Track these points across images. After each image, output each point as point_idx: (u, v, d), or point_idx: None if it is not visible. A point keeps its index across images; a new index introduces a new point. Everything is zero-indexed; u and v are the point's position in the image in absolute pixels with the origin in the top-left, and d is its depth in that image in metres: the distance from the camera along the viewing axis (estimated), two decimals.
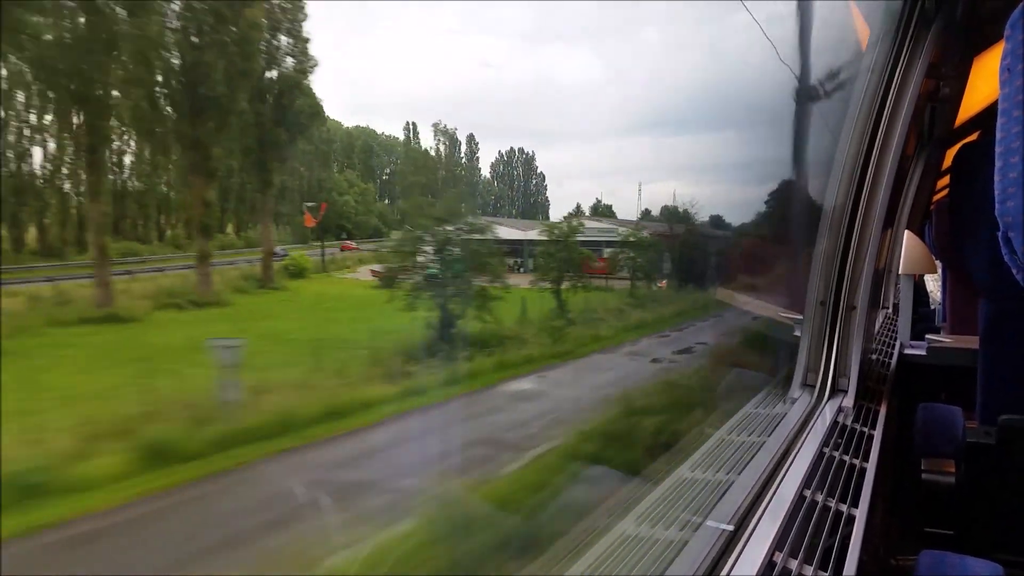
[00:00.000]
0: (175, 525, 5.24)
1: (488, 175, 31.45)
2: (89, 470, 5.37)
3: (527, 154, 32.44)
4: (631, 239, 16.07)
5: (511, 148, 32.15)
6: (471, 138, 28.49)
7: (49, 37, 8.65)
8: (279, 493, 5.73)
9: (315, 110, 15.06)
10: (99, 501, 5.12)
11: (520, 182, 33.36)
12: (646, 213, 19.62)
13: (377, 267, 15.44)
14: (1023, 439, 1.75)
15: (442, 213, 13.32)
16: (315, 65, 13.92)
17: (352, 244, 20.20)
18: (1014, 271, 0.78)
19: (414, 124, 27.20)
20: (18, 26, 8.24)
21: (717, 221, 14.92)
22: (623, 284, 15.32)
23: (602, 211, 22.97)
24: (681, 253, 15.86)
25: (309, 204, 18.09)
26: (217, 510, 5.51)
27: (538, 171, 32.52)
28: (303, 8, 13.48)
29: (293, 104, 13.88)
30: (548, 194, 32.49)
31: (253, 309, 11.97)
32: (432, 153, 27.46)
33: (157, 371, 7.16)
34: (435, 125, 27.13)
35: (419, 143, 27.69)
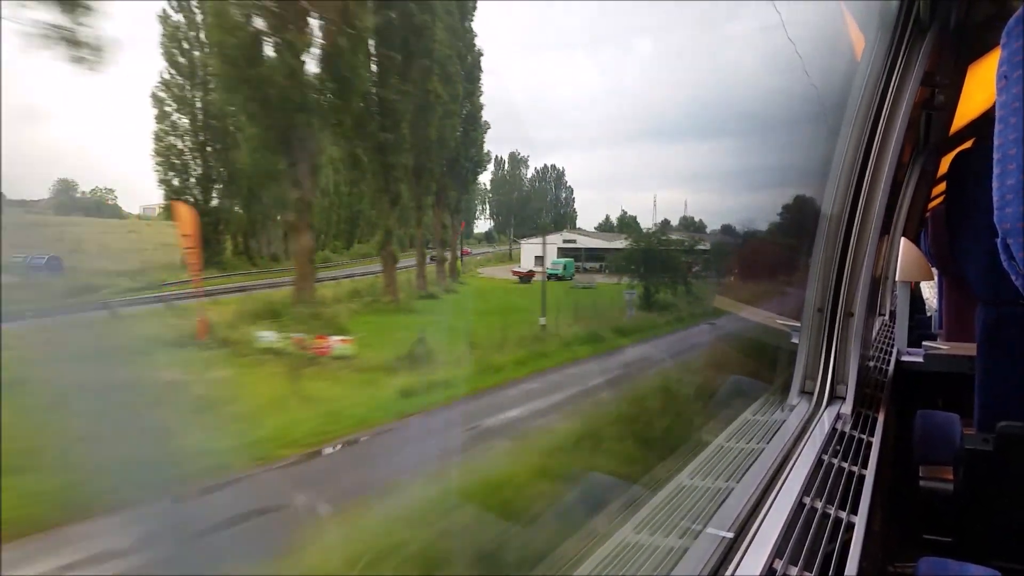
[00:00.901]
0: (649, 350, 12.41)
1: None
2: (606, 336, 12.75)
3: (559, 170, 35.24)
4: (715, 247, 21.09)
5: (544, 165, 35.27)
6: (513, 156, 31.87)
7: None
8: (677, 343, 13.18)
9: (487, 158, 21.70)
10: (621, 343, 12.67)
11: (552, 195, 35.83)
12: (665, 223, 23.22)
13: (517, 267, 22.44)
14: (1021, 446, 1.75)
15: (653, 231, 20.60)
16: (488, 128, 20.34)
17: (469, 250, 24.35)
18: (1013, 277, 0.78)
19: None
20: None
21: (728, 229, 18.63)
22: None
23: (628, 221, 26.91)
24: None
25: None
26: (660, 345, 13.04)
27: (567, 184, 35.33)
28: (481, 84, 19.29)
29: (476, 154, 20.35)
30: (576, 206, 35.40)
31: (473, 293, 18.41)
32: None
33: (525, 317, 13.76)
34: (512, 154, 32.70)
35: None
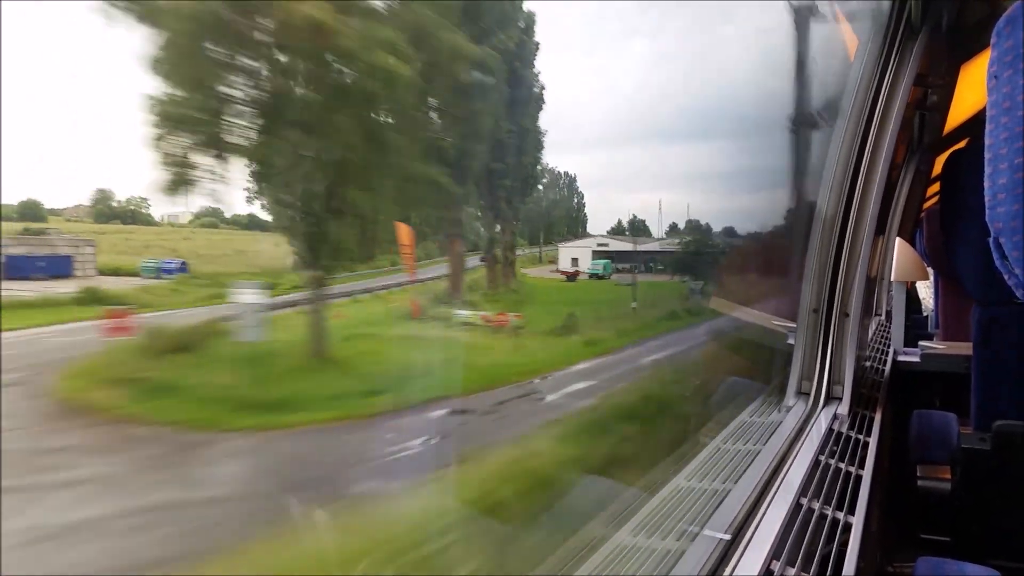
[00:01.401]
0: (721, 323, 10.88)
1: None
2: (682, 315, 15.24)
3: (571, 176, 36.23)
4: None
5: (558, 171, 36.29)
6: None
7: None
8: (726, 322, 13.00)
9: (542, 173, 24.51)
10: (696, 320, 14.29)
11: (567, 201, 36.82)
12: (673, 227, 25.50)
13: (562, 268, 25.14)
14: (1017, 445, 1.75)
15: (695, 236, 21.98)
16: (543, 147, 22.92)
17: None
18: (1005, 276, 0.78)
19: None
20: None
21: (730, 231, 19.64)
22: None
23: (637, 225, 28.69)
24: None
25: None
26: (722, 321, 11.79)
27: (578, 191, 36.54)
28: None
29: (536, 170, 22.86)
30: (587, 211, 36.67)
31: (542, 288, 21.32)
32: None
33: (607, 304, 17.77)
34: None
35: None
